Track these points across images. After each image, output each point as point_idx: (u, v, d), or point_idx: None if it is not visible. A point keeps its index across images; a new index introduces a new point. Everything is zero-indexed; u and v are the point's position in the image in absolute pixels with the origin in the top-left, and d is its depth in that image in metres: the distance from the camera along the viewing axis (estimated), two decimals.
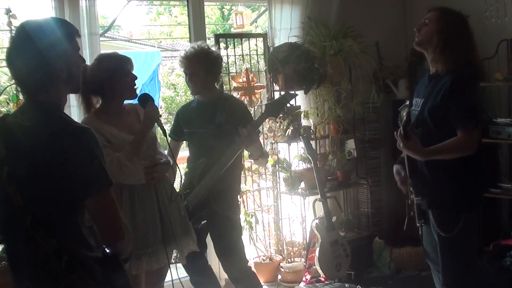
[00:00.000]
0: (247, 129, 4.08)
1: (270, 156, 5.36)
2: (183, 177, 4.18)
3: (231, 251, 4.36)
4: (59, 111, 2.45)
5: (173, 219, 3.74)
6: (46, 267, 2.37)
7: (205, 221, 4.23)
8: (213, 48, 4.63)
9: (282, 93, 5.15)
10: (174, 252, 3.83)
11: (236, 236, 4.40)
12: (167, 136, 3.73)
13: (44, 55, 2.40)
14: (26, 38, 2.42)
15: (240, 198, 4.74)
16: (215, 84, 4.37)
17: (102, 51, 4.61)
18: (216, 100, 4.31)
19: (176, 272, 3.91)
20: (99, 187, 2.37)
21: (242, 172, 4.76)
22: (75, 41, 2.54)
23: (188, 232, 3.88)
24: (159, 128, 3.59)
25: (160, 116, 3.66)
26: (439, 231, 3.57)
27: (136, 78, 3.69)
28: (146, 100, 3.63)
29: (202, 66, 4.23)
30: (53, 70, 2.42)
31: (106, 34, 10.85)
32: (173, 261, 3.86)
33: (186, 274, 4.43)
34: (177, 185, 3.92)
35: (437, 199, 3.61)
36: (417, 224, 3.73)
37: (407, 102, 3.65)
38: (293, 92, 4.90)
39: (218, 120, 4.21)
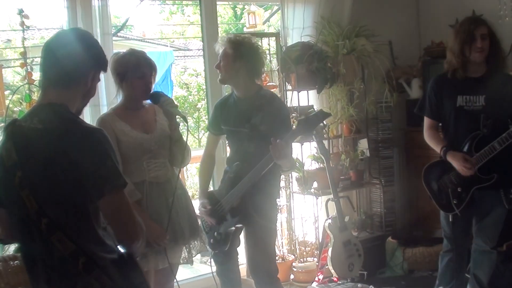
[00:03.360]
0: (277, 144, 3.80)
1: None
2: (187, 178, 4.13)
3: (263, 257, 4.21)
4: (70, 113, 2.46)
5: (182, 218, 3.73)
6: (63, 270, 2.37)
7: (241, 225, 4.13)
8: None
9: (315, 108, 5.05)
10: (182, 252, 3.84)
11: (271, 244, 4.28)
12: (188, 124, 3.64)
13: (89, 55, 2.49)
14: (79, 37, 2.53)
15: (279, 203, 4.67)
16: (255, 80, 4.19)
17: (115, 51, 4.63)
18: (254, 97, 4.09)
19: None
20: (112, 188, 2.36)
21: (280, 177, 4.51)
22: (100, 73, 2.60)
23: (197, 232, 3.87)
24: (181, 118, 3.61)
25: (177, 106, 3.66)
26: (507, 205, 4.19)
27: (151, 82, 3.68)
28: (158, 97, 3.62)
29: (233, 53, 4.05)
30: (84, 75, 2.49)
31: (118, 34, 10.88)
32: (181, 261, 3.86)
33: (193, 275, 4.40)
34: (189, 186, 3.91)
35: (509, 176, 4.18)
36: (455, 212, 4.26)
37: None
38: (328, 112, 4.71)
39: (254, 121, 4.04)
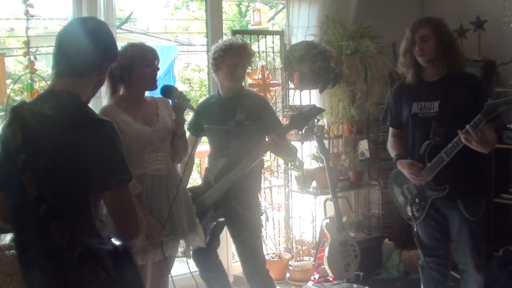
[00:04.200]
0: (272, 138, 4.01)
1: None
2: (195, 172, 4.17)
3: (249, 250, 4.31)
4: (82, 102, 2.46)
5: (181, 212, 3.74)
6: (57, 258, 2.37)
7: (222, 219, 4.22)
8: None
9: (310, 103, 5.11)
10: (180, 246, 3.84)
11: (256, 235, 4.37)
12: (200, 118, 3.69)
13: (104, 47, 2.52)
14: (96, 28, 2.54)
15: (260, 196, 4.70)
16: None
17: (118, 44, 4.63)
18: (237, 96, 4.24)
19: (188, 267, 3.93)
20: (118, 181, 2.36)
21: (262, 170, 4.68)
22: (108, 65, 2.61)
23: (195, 228, 3.87)
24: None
25: (189, 100, 3.70)
26: (468, 216, 3.91)
27: (157, 69, 3.70)
28: (171, 90, 3.67)
29: (249, 58, 4.25)
30: (99, 67, 2.51)
31: (122, 27, 10.85)
32: (179, 254, 3.87)
33: (195, 269, 4.43)
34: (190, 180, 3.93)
35: (469, 187, 3.95)
36: (415, 223, 4.13)
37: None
38: (322, 107, 4.81)
39: (238, 118, 4.16)
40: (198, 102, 4.64)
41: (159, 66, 3.73)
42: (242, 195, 4.22)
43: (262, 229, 5.34)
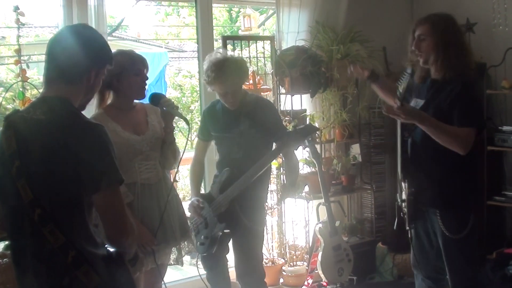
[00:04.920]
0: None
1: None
2: (179, 180, 4.17)
3: (250, 262, 4.30)
4: (73, 107, 2.47)
5: (173, 219, 3.74)
6: (51, 262, 2.37)
7: (228, 230, 4.20)
8: (230, 52, 4.51)
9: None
10: (172, 254, 3.85)
11: (259, 248, 4.37)
12: (189, 125, 3.68)
13: (91, 53, 2.51)
14: (81, 33, 2.55)
15: (266, 208, 4.68)
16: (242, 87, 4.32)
17: None
18: (241, 104, 4.19)
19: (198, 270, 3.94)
20: (109, 183, 2.38)
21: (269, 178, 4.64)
22: (106, 68, 2.63)
23: (187, 233, 3.88)
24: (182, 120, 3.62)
25: (178, 107, 3.67)
26: (447, 232, 3.56)
27: (146, 78, 3.69)
28: (158, 98, 3.63)
29: (241, 81, 4.19)
30: (85, 73, 2.50)
31: (113, 34, 10.86)
32: (172, 262, 3.88)
33: (182, 277, 4.43)
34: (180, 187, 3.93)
35: (445, 196, 3.59)
36: (407, 228, 3.77)
37: (409, 71, 3.49)
38: (317, 126, 4.88)
39: (242, 127, 4.15)
40: (204, 107, 4.56)
41: (149, 74, 3.73)
42: (249, 205, 4.19)
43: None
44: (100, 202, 2.41)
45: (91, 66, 2.52)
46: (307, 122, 5.35)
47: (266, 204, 4.44)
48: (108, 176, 2.38)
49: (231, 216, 4.16)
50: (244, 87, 4.49)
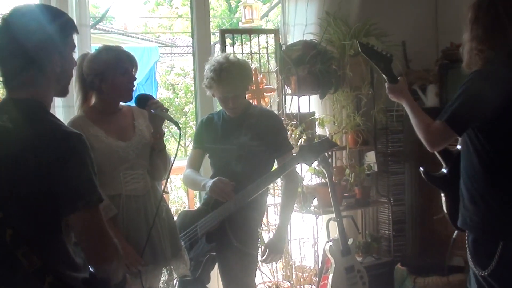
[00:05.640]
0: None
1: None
2: (171, 191, 4.14)
3: None
4: (47, 112, 2.43)
5: (163, 236, 3.71)
6: None
7: (214, 253, 4.19)
8: (233, 55, 4.44)
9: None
10: (162, 275, 3.81)
11: (252, 274, 4.36)
12: (181, 130, 3.64)
13: (41, 42, 2.40)
14: (18, 22, 2.41)
15: (260, 229, 4.64)
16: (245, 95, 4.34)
17: (93, 46, 4.59)
18: (243, 115, 4.23)
19: None
20: (85, 203, 2.33)
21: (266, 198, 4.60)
22: (72, 38, 2.55)
23: (179, 253, 3.85)
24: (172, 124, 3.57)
25: (167, 110, 3.64)
26: (473, 266, 3.33)
27: (134, 79, 3.67)
28: (145, 99, 3.60)
29: (243, 85, 4.19)
30: (49, 62, 2.42)
31: (97, 26, 10.89)
32: (161, 285, 3.83)
33: None
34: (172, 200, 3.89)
35: (474, 223, 3.35)
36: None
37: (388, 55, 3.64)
38: (335, 142, 4.82)
39: (243, 139, 4.16)
40: (200, 112, 4.59)
41: (138, 71, 3.70)
42: (240, 226, 4.18)
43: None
44: (77, 224, 2.37)
45: (50, 46, 2.43)
46: (324, 136, 5.20)
47: (261, 227, 4.37)
48: (85, 195, 2.33)
49: (220, 237, 4.15)
50: (247, 96, 4.52)
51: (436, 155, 3.69)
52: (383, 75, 3.65)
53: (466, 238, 3.44)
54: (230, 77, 4.06)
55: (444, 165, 3.71)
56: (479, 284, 3.32)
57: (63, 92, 2.57)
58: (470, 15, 3.37)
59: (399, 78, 3.69)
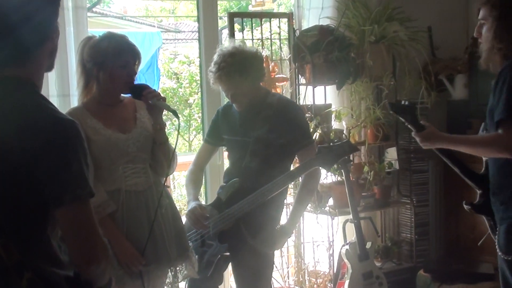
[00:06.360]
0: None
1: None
2: (174, 189, 4.16)
3: None
4: (39, 94, 2.41)
5: (167, 233, 3.74)
6: (4, 283, 2.31)
7: (228, 253, 4.20)
8: (247, 45, 4.39)
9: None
10: (167, 277, 3.85)
11: (269, 276, 4.39)
12: (178, 118, 3.66)
13: (47, 8, 2.41)
14: None
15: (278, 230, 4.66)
16: (260, 85, 4.31)
17: (90, 30, 4.66)
18: (259, 106, 4.21)
19: None
20: (73, 197, 2.30)
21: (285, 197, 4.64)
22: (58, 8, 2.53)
23: (185, 253, 3.87)
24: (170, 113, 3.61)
25: (165, 98, 3.68)
26: (500, 252, 3.57)
27: (134, 73, 3.69)
28: (140, 89, 3.64)
29: (246, 82, 4.14)
30: (50, 29, 2.42)
31: (94, 9, 10.91)
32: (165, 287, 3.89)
33: None
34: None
35: (504, 210, 3.57)
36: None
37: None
38: (356, 145, 4.82)
39: (259, 132, 4.14)
40: (220, 106, 4.57)
41: (140, 65, 3.75)
42: (256, 224, 4.18)
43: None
44: (63, 219, 2.34)
45: (53, 16, 2.42)
46: (345, 139, 5.17)
47: (279, 226, 4.40)
48: (73, 189, 2.30)
49: (235, 235, 4.16)
50: (263, 84, 4.51)
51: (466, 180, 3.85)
52: (410, 126, 3.86)
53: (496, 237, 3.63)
54: (229, 72, 4.05)
55: (478, 191, 3.83)
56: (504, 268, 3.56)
57: (50, 67, 2.54)
58: (495, 12, 3.52)
59: (423, 123, 3.85)
